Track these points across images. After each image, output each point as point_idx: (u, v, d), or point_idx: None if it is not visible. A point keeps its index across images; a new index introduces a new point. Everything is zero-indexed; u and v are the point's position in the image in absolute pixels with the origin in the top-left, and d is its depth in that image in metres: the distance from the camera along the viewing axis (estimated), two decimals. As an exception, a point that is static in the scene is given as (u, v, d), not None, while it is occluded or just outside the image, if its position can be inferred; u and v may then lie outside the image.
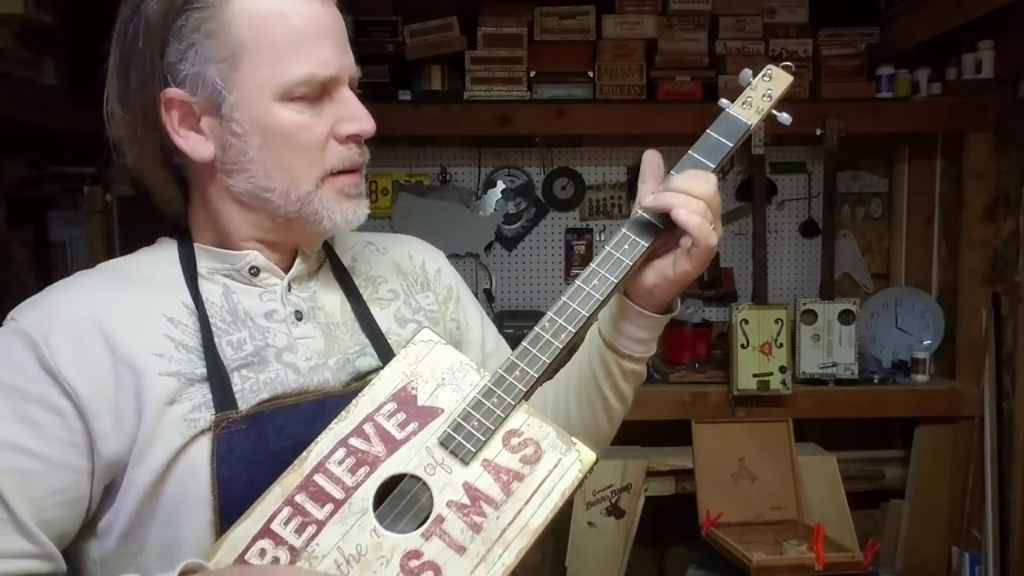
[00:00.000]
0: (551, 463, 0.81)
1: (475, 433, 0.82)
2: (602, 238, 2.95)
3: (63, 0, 2.42)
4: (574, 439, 0.82)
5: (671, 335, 2.82)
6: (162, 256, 0.94)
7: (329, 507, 0.79)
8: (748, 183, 2.82)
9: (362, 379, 0.93)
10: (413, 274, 1.07)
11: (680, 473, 2.51)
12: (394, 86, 2.62)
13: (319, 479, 0.81)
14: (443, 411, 0.84)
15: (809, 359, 2.62)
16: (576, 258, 2.95)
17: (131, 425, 0.83)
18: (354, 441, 0.83)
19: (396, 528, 0.79)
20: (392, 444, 0.83)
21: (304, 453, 0.82)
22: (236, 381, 0.87)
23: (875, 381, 2.67)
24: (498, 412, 0.83)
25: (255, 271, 0.94)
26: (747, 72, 1.01)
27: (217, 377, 0.86)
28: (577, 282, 0.92)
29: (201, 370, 0.86)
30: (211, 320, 0.90)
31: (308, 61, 0.86)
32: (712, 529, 2.27)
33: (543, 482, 0.80)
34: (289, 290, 0.95)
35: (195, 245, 0.94)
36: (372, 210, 0.98)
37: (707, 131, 1.01)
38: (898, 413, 2.74)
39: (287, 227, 0.92)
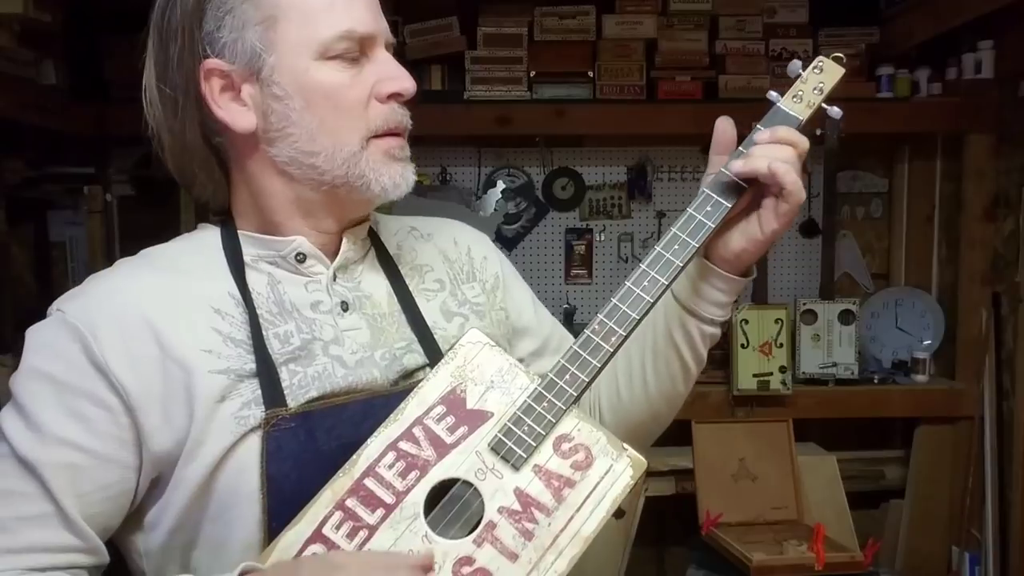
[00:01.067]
0: (602, 469, 0.81)
1: (526, 438, 0.82)
2: (602, 238, 2.95)
3: (63, 0, 2.42)
4: (625, 445, 0.82)
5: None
6: (204, 244, 0.92)
7: (380, 512, 0.79)
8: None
9: (409, 377, 0.93)
10: (459, 262, 1.04)
11: (680, 473, 2.51)
12: (394, 86, 2.62)
13: (370, 483, 0.80)
14: (493, 415, 0.83)
15: (809, 359, 2.62)
16: (576, 258, 2.95)
17: (182, 422, 0.83)
18: (404, 445, 0.82)
19: (447, 534, 0.79)
20: (442, 448, 0.82)
21: (354, 456, 0.82)
22: (284, 376, 0.86)
23: (875, 381, 2.67)
24: (549, 417, 0.82)
25: (301, 258, 0.91)
26: (796, 63, 0.98)
27: (266, 372, 0.85)
28: (657, 248, 0.90)
29: (250, 365, 0.85)
30: (258, 312, 0.88)
31: (346, 17, 0.86)
32: (712, 529, 2.27)
33: (594, 489, 0.80)
34: (335, 279, 0.93)
35: (239, 232, 0.92)
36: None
37: (756, 126, 1.01)
38: (898, 413, 2.74)
39: (333, 198, 0.90)
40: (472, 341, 0.87)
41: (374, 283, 0.96)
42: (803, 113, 1.00)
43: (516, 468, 0.81)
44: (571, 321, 2.76)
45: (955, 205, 2.78)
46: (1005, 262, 2.62)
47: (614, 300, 0.87)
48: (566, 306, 2.83)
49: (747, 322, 2.53)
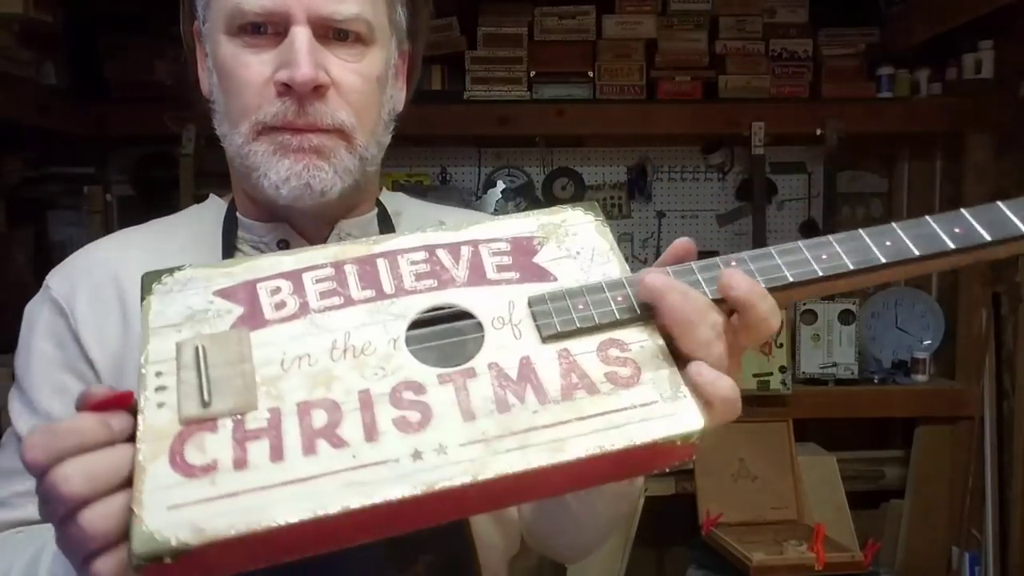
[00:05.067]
0: (640, 399, 0.59)
1: (572, 316, 0.62)
2: (602, 238, 2.95)
3: (63, 0, 2.42)
4: (686, 392, 0.60)
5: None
6: (208, 219, 0.90)
7: (370, 292, 0.65)
8: (748, 183, 2.82)
9: None
10: None
11: (680, 473, 2.51)
12: (394, 86, 2.62)
13: (380, 263, 0.66)
14: (555, 279, 0.66)
15: (809, 359, 2.62)
16: (576, 258, 2.95)
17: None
18: (441, 254, 0.68)
19: (419, 355, 0.62)
20: (478, 279, 0.66)
21: (383, 237, 0.69)
22: None
23: (875, 381, 2.67)
24: (615, 313, 0.63)
25: (284, 245, 0.86)
26: None
27: None
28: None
29: None
30: None
31: None
32: (712, 529, 2.27)
33: (616, 412, 0.59)
34: None
35: (237, 213, 0.88)
36: (373, 210, 0.93)
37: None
38: (898, 413, 2.74)
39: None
40: (582, 217, 0.71)
41: None
42: None
43: (542, 339, 0.62)
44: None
45: (955, 205, 2.74)
46: (1005, 262, 2.62)
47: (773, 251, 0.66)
48: (566, 306, 2.83)
49: (747, 322, 2.52)
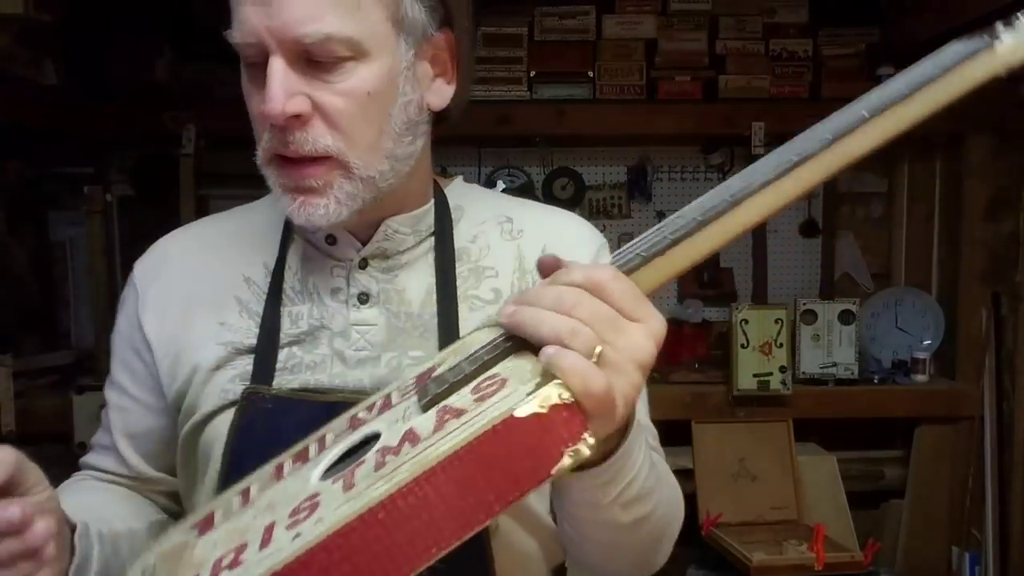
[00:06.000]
0: (504, 394, 0.57)
1: (448, 379, 0.62)
2: (602, 238, 2.95)
3: (63, 0, 2.42)
4: (539, 373, 0.57)
5: (671, 335, 2.82)
6: (278, 208, 0.88)
7: (298, 464, 0.68)
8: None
9: None
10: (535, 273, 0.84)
11: (680, 473, 2.50)
12: (394, 86, 2.61)
13: (312, 447, 0.70)
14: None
15: (809, 359, 2.62)
16: (576, 258, 2.95)
17: (182, 384, 0.88)
18: (361, 414, 0.71)
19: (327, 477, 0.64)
20: (384, 407, 0.69)
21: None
22: (282, 357, 0.84)
23: (875, 381, 2.67)
24: (484, 356, 0.62)
25: (331, 240, 0.86)
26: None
27: (263, 350, 0.84)
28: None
29: (252, 340, 0.85)
30: (283, 287, 0.87)
31: (235, 18, 0.77)
32: (712, 529, 2.27)
33: (479, 414, 0.55)
34: (364, 266, 0.86)
35: None
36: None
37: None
38: (898, 413, 2.74)
39: None
40: (481, 329, 0.72)
41: (415, 278, 0.87)
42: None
43: (424, 410, 0.62)
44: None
45: (955, 205, 2.78)
46: (1005, 262, 2.62)
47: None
48: (566, 306, 2.83)
49: (747, 322, 2.53)
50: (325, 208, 0.78)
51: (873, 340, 2.83)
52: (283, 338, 0.85)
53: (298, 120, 0.75)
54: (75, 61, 2.62)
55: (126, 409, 0.93)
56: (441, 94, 0.86)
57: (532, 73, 2.69)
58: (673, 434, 2.49)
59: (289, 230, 0.89)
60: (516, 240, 0.89)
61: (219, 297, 0.88)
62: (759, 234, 2.62)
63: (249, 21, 0.74)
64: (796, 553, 2.11)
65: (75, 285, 2.80)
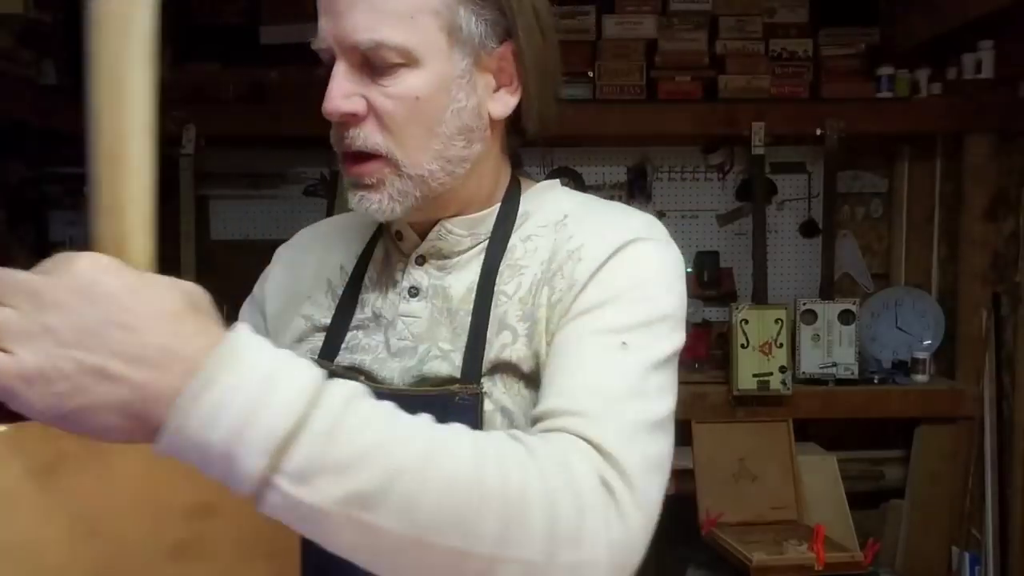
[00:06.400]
0: None
1: None
2: (602, 238, 2.95)
3: (63, 0, 2.42)
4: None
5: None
6: None
7: None
8: (748, 183, 2.82)
9: (426, 383, 0.85)
10: (557, 262, 0.86)
11: (680, 473, 2.50)
12: (394, 86, 2.61)
13: None
14: None
15: (809, 359, 2.62)
16: (576, 258, 2.95)
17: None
18: None
19: None
20: None
21: None
22: (348, 338, 0.92)
23: (875, 381, 2.67)
24: None
25: (399, 235, 0.93)
26: None
27: (334, 330, 0.92)
28: None
29: (327, 320, 0.93)
30: (366, 275, 0.95)
31: (318, 30, 0.84)
32: (712, 529, 2.27)
33: None
34: (423, 263, 0.91)
35: None
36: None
37: None
38: (898, 413, 2.74)
39: None
40: None
41: (463, 275, 0.90)
42: None
43: None
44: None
45: (955, 205, 2.78)
46: (1005, 262, 2.62)
47: None
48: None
49: (747, 322, 2.53)
50: (379, 203, 0.85)
51: (873, 340, 2.84)
52: (353, 322, 0.93)
53: (355, 118, 0.82)
54: (75, 61, 2.62)
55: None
56: (504, 104, 0.90)
57: (532, 73, 2.69)
58: (673, 434, 2.49)
59: (381, 226, 0.97)
60: (566, 243, 0.88)
61: (318, 280, 0.98)
62: (759, 234, 2.62)
63: (323, 30, 0.83)
64: (796, 553, 2.11)
65: (75, 285, 2.80)
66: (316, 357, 0.90)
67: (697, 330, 2.78)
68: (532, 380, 0.83)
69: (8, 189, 2.57)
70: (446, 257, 0.91)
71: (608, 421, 0.72)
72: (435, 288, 0.90)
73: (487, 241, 0.91)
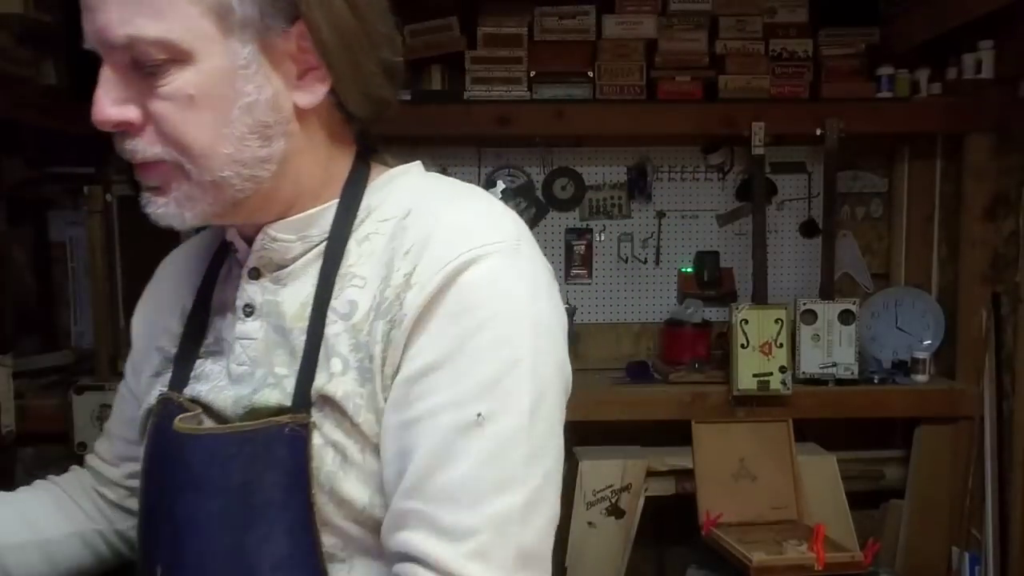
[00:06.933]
0: None
1: None
2: (602, 238, 2.95)
3: (63, 0, 2.42)
4: None
5: (671, 335, 2.82)
6: None
7: None
8: (748, 183, 2.82)
9: (257, 416, 0.76)
10: (394, 282, 0.74)
11: (680, 473, 2.51)
12: (394, 86, 2.61)
13: None
14: None
15: (809, 359, 2.62)
16: (576, 258, 2.95)
17: (137, 388, 0.94)
18: None
19: None
20: None
21: None
22: (196, 365, 0.84)
23: (875, 381, 2.67)
24: None
25: (233, 248, 0.85)
26: None
27: (182, 359, 0.85)
28: None
29: (175, 349, 0.88)
30: (213, 296, 0.87)
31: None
32: (712, 529, 2.27)
33: None
34: (258, 276, 0.81)
35: None
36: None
37: None
38: (898, 413, 2.74)
39: None
40: None
41: (297, 288, 0.80)
42: None
43: None
44: (571, 321, 2.76)
45: (955, 205, 2.78)
46: (1005, 262, 2.61)
47: None
48: (566, 306, 2.82)
49: (747, 322, 2.53)
50: (165, 207, 0.75)
51: (873, 340, 2.83)
52: (202, 348, 0.85)
53: (131, 127, 0.73)
54: (75, 61, 2.62)
55: (123, 396, 1.00)
56: (312, 92, 0.77)
57: (532, 73, 2.69)
58: (673, 434, 2.49)
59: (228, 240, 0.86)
60: (396, 241, 0.76)
61: (172, 309, 0.90)
62: (759, 234, 2.62)
63: (84, 28, 0.75)
64: (796, 553, 2.11)
65: (75, 285, 2.80)
66: (165, 389, 0.84)
67: (697, 330, 2.78)
68: (360, 426, 0.73)
69: (8, 189, 2.57)
70: (280, 267, 0.81)
71: (470, 539, 0.67)
72: (269, 305, 0.80)
73: (324, 244, 0.79)
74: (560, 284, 2.94)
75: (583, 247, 2.95)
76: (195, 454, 0.75)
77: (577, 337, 2.81)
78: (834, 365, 2.62)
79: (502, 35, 2.69)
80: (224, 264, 0.88)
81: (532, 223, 2.95)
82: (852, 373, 2.61)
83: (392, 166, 0.86)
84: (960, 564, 2.63)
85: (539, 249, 0.78)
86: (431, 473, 0.68)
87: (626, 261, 2.95)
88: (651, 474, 2.52)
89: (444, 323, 0.70)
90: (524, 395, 0.69)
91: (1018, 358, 2.52)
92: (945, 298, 2.82)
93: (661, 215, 2.93)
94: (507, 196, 2.91)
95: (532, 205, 2.94)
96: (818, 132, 2.59)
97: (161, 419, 0.82)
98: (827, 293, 2.65)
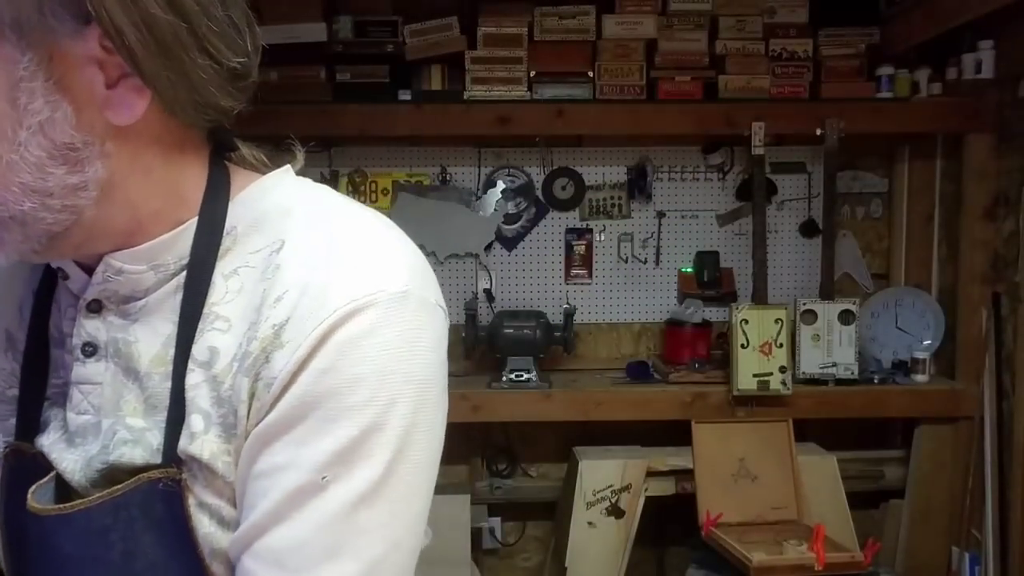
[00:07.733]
0: None
1: None
2: (602, 238, 2.95)
3: (63, 0, 2.42)
4: None
5: (672, 335, 2.82)
6: None
7: None
8: (748, 183, 2.82)
9: (111, 479, 0.65)
10: (262, 330, 0.64)
11: (680, 473, 2.51)
12: (394, 86, 2.59)
13: None
14: None
15: (809, 359, 2.62)
16: (576, 258, 2.95)
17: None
18: None
19: None
20: None
21: None
22: (45, 407, 0.72)
23: (875, 381, 2.67)
24: None
25: (63, 276, 0.70)
26: None
27: (26, 400, 0.71)
28: None
29: (13, 390, 0.73)
30: (51, 322, 0.72)
31: None
32: (712, 529, 2.27)
33: None
34: (98, 310, 0.68)
35: None
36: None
37: None
38: (898, 413, 2.74)
39: None
40: None
41: (155, 324, 0.67)
42: None
43: None
44: (571, 321, 2.76)
45: (955, 205, 2.78)
46: (1005, 262, 2.62)
47: None
48: (566, 306, 2.83)
49: (747, 322, 2.53)
50: None
51: (873, 340, 2.84)
52: (50, 387, 0.72)
53: None
54: (75, 61, 2.62)
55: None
56: (127, 105, 0.62)
57: (532, 73, 2.69)
58: (673, 434, 2.49)
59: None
60: (267, 282, 0.65)
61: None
62: (759, 234, 2.62)
63: None
64: (796, 553, 2.11)
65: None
66: (11, 440, 0.71)
67: (697, 330, 2.79)
68: (233, 484, 0.66)
69: (8, 189, 2.56)
70: (130, 300, 0.67)
71: None
72: (116, 343, 0.67)
73: (185, 272, 0.67)
74: (560, 284, 2.96)
75: (583, 247, 2.95)
76: (68, 538, 0.64)
77: (577, 337, 2.81)
78: (834, 365, 2.62)
79: (502, 35, 2.69)
80: (60, 284, 0.72)
81: (532, 223, 2.95)
82: (852, 373, 2.61)
83: (256, 165, 0.73)
84: (960, 564, 2.63)
85: (436, 288, 0.69)
86: (263, 532, 0.63)
87: (626, 261, 2.95)
88: (651, 474, 2.52)
89: (309, 380, 0.62)
90: (378, 461, 0.63)
91: (1018, 358, 2.52)
92: (945, 298, 2.82)
93: (661, 215, 2.93)
94: (507, 196, 2.91)
95: (532, 205, 2.94)
96: (818, 132, 2.59)
97: (12, 485, 0.69)
98: (827, 293, 2.65)
